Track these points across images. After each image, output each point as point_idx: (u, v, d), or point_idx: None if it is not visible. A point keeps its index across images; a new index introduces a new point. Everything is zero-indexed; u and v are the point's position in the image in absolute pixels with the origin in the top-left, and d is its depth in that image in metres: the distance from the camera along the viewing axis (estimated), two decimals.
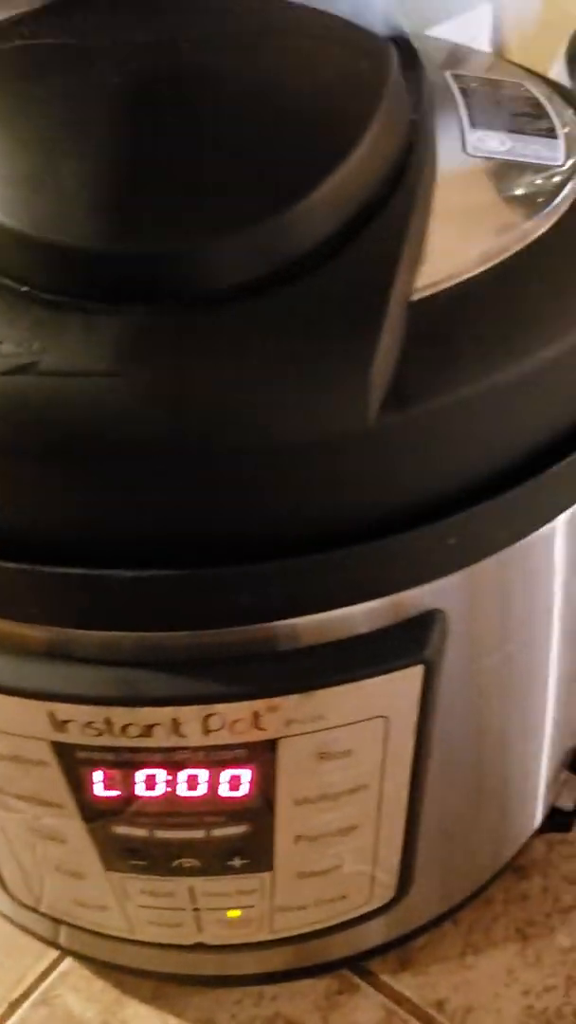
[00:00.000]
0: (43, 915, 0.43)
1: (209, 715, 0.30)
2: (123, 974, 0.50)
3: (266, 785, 0.33)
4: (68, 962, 0.51)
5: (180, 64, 0.30)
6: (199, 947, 0.40)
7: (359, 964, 0.50)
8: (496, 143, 0.36)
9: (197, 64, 0.30)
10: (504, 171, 0.34)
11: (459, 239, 0.31)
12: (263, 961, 0.47)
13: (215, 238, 0.27)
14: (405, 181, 0.31)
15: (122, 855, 0.36)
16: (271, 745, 0.32)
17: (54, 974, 0.51)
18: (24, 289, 0.28)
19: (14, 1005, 0.50)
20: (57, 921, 0.42)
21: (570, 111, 0.38)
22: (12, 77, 0.30)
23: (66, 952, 0.50)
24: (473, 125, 0.36)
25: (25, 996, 0.50)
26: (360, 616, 0.31)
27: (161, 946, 0.42)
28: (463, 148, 0.35)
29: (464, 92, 0.38)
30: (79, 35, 0.30)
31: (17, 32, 0.31)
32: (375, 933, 0.47)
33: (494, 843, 0.48)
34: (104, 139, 0.28)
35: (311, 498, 0.28)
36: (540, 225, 0.32)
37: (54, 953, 0.51)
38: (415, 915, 0.46)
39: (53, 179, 0.28)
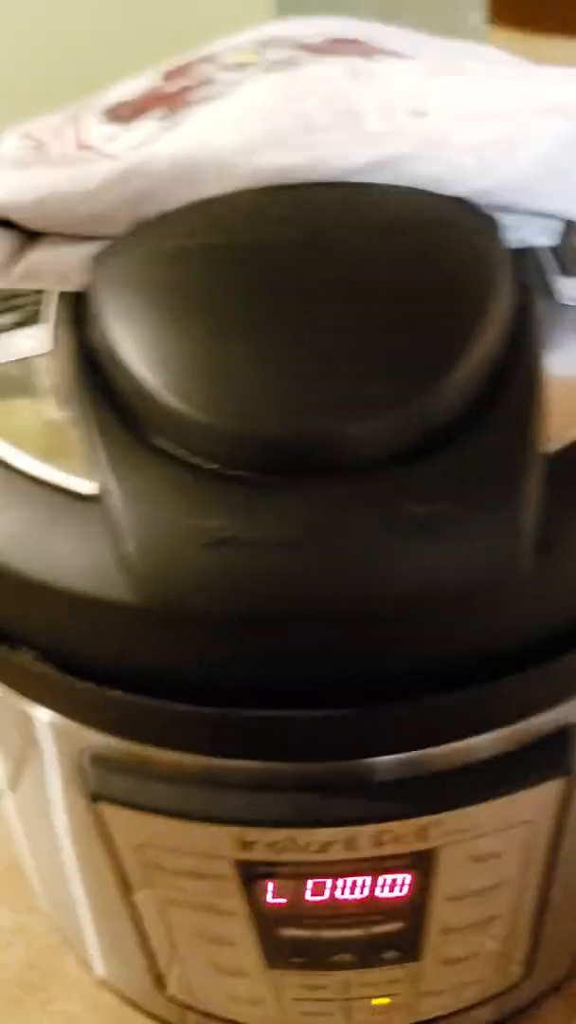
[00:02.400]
0: (176, 1005, 0.47)
1: (382, 832, 0.34)
2: None
3: (423, 886, 0.37)
4: None
5: (324, 259, 0.34)
6: None
7: None
8: None
9: (338, 256, 0.34)
10: None
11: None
12: None
13: (375, 418, 0.31)
14: (524, 343, 0.36)
15: (285, 955, 0.39)
16: (432, 853, 0.35)
17: None
18: (211, 467, 0.32)
19: None
20: (205, 1016, 0.45)
21: None
22: (186, 275, 0.34)
23: None
24: (564, 273, 0.40)
25: None
26: (509, 736, 0.34)
27: None
28: (558, 297, 0.39)
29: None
30: (232, 235, 0.35)
31: (177, 231, 0.35)
32: (494, 1010, 0.50)
33: None
34: (270, 333, 0.33)
35: (468, 641, 0.32)
36: None
37: None
38: (531, 991, 0.49)
39: (227, 372, 0.32)
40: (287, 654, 0.31)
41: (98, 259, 0.36)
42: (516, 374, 0.34)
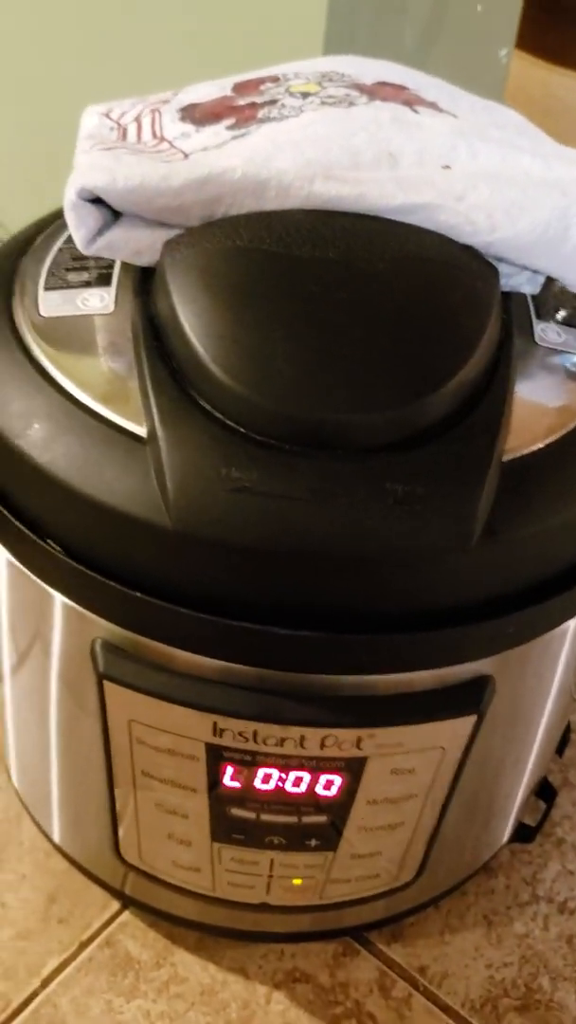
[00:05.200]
0: (120, 866, 0.55)
1: (326, 736, 0.43)
2: (173, 925, 0.61)
3: (350, 789, 0.46)
4: (127, 914, 0.63)
5: (354, 278, 0.42)
6: (263, 907, 0.52)
7: (360, 934, 0.63)
8: (554, 335, 0.49)
9: (365, 278, 0.43)
10: (566, 359, 0.47)
11: (536, 415, 0.44)
12: (289, 923, 0.59)
13: (376, 414, 0.40)
14: (500, 369, 0.44)
15: (229, 831, 0.48)
16: (362, 761, 0.44)
17: (115, 924, 0.62)
18: (242, 431, 0.40)
19: (83, 945, 0.61)
20: (132, 868, 0.53)
21: None
22: (243, 272, 0.42)
23: (128, 902, 0.61)
24: (540, 318, 0.49)
25: (92, 939, 0.61)
26: (440, 675, 0.43)
27: (226, 902, 0.53)
28: (534, 337, 0.48)
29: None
30: (284, 245, 0.43)
31: (240, 234, 0.43)
32: (378, 910, 0.59)
33: (477, 848, 0.61)
34: (307, 331, 0.41)
35: (423, 594, 0.41)
36: None
37: (116, 905, 0.63)
38: (410, 898, 0.58)
39: (268, 358, 0.40)
40: (278, 582, 0.40)
41: (171, 244, 0.44)
42: (491, 395, 0.43)
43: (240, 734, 0.43)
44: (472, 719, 0.44)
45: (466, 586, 0.42)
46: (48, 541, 0.43)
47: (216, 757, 0.45)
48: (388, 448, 0.40)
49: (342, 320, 0.41)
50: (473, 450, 0.41)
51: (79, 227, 0.45)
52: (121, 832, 0.52)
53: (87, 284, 0.48)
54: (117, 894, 0.62)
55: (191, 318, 0.42)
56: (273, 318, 0.41)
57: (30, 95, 1.00)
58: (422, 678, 0.44)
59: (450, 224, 0.44)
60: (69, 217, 0.45)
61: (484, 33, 1.05)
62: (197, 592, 0.41)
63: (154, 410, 0.41)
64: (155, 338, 0.44)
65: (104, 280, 0.49)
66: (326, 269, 0.42)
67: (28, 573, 0.46)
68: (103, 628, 0.44)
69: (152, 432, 0.41)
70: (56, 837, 0.60)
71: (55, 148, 0.59)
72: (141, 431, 0.42)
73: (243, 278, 0.42)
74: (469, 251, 0.45)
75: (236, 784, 0.46)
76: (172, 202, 0.44)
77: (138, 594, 0.41)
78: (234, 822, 0.48)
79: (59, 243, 0.52)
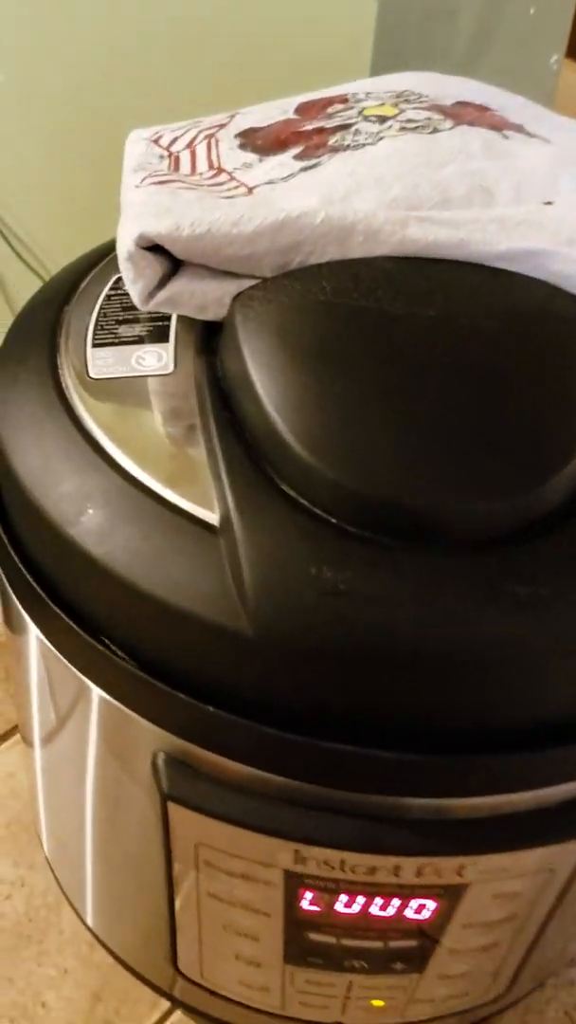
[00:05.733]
0: (174, 973, 0.50)
1: (424, 864, 0.37)
2: None
3: (446, 913, 0.40)
4: (178, 1014, 0.57)
5: (457, 340, 0.36)
6: None
7: None
8: None
9: (471, 340, 0.37)
10: None
11: None
12: None
13: (492, 502, 0.34)
14: None
15: (305, 954, 0.43)
16: (462, 887, 0.39)
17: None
18: (333, 521, 0.35)
19: None
20: (189, 982, 0.48)
21: None
22: (328, 331, 0.37)
23: (180, 1005, 0.56)
24: None
25: None
26: (551, 795, 0.38)
27: (295, 1019, 0.48)
28: None
29: None
30: (374, 300, 0.37)
31: (322, 286, 0.37)
32: (462, 1019, 0.54)
33: (565, 951, 0.56)
34: (406, 402, 0.35)
35: (546, 708, 0.35)
36: None
37: (166, 1004, 0.58)
38: (498, 1005, 0.53)
39: (361, 434, 0.35)
40: (380, 698, 0.34)
41: (242, 299, 0.38)
42: None
43: (325, 862, 0.38)
44: None
45: None
46: (105, 642, 0.38)
47: (295, 884, 0.39)
48: (504, 541, 0.35)
49: (446, 388, 0.36)
50: None
51: (136, 280, 0.39)
52: (180, 947, 0.47)
53: (140, 340, 0.43)
54: (167, 995, 0.57)
55: (269, 386, 0.36)
56: (365, 386, 0.36)
57: (68, 120, 0.96)
58: (532, 798, 0.38)
59: (563, 273, 0.39)
60: (125, 269, 0.39)
61: (534, 38, 0.99)
62: (281, 707, 0.35)
63: (228, 495, 0.36)
64: (224, 406, 0.38)
65: (160, 335, 0.43)
66: (424, 328, 0.36)
67: (77, 672, 0.40)
68: (167, 739, 0.39)
69: (226, 521, 0.36)
70: (99, 933, 0.55)
71: (99, 179, 0.53)
72: (213, 518, 0.36)
73: (328, 338, 0.36)
74: None
75: (316, 908, 0.41)
76: (243, 251, 0.38)
77: (211, 708, 0.36)
78: (311, 946, 0.43)
79: (106, 288, 0.46)
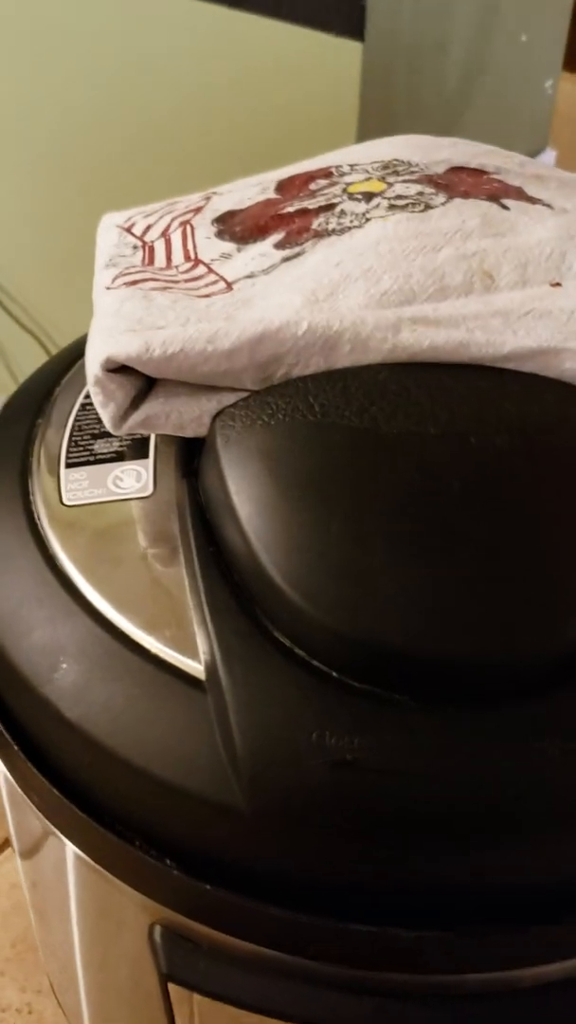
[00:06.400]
0: None
1: None
2: None
3: None
4: None
5: (464, 460, 0.32)
6: None
7: None
8: None
9: (480, 459, 0.33)
10: None
11: None
12: None
13: (518, 648, 0.30)
14: None
15: None
16: None
17: None
18: (335, 675, 0.31)
19: None
20: None
21: None
22: (318, 456, 0.33)
23: None
24: None
25: None
26: None
27: None
28: None
29: None
30: (367, 418, 0.33)
31: (308, 403, 0.34)
32: None
33: None
34: (411, 537, 0.31)
35: None
36: None
37: None
38: None
39: (364, 577, 0.31)
40: (397, 879, 0.30)
41: (223, 420, 0.34)
42: None
43: None
44: None
45: None
46: (95, 814, 0.34)
47: None
48: (535, 690, 0.30)
49: (455, 518, 0.31)
50: None
51: (107, 404, 0.35)
52: None
53: (118, 457, 0.39)
54: None
55: (255, 520, 0.32)
56: (364, 520, 0.32)
57: (50, 193, 0.94)
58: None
59: None
60: (93, 392, 0.35)
61: (528, 65, 0.96)
62: (286, 885, 0.32)
63: (214, 645, 0.32)
64: (209, 539, 0.35)
65: (140, 449, 0.39)
66: (427, 448, 0.32)
67: (60, 836, 0.36)
68: (165, 913, 0.35)
69: (213, 675, 0.32)
70: None
71: (83, 246, 0.50)
72: (199, 670, 0.33)
73: (320, 465, 0.33)
74: None
75: None
76: (220, 367, 0.35)
77: (207, 886, 0.32)
78: None
79: (80, 398, 0.43)
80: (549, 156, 1.11)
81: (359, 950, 0.32)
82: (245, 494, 0.33)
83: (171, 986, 0.35)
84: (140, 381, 0.36)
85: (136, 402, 0.35)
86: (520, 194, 0.44)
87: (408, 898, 0.31)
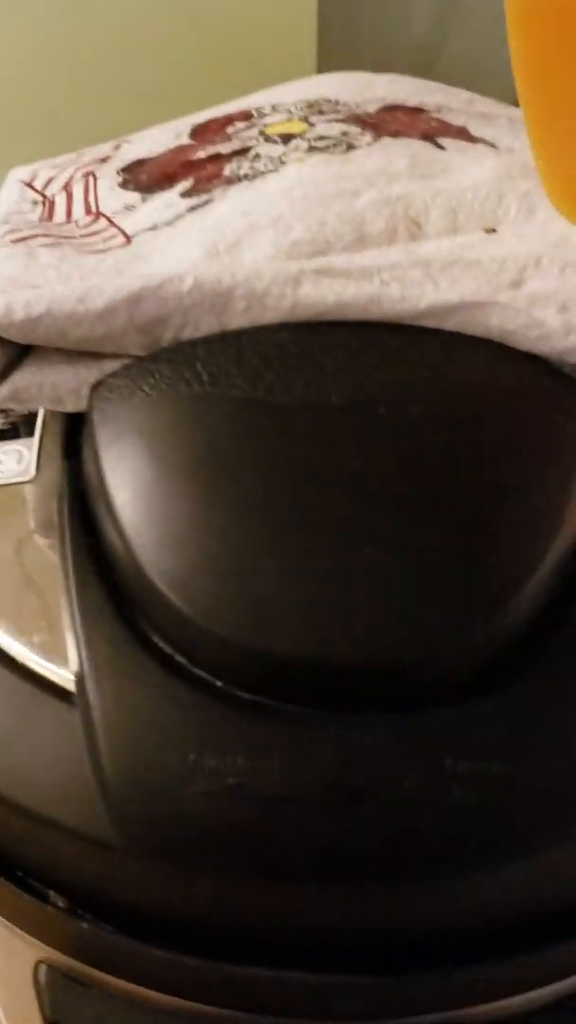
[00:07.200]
0: None
1: None
2: None
3: None
4: None
5: (371, 433, 0.28)
6: None
7: None
8: None
9: (389, 431, 0.28)
10: None
11: None
12: None
13: (429, 649, 0.26)
14: None
15: None
16: None
17: None
18: (220, 685, 0.27)
19: None
20: None
21: None
22: (204, 432, 0.28)
23: None
24: None
25: None
26: (536, 997, 0.30)
27: None
28: None
29: None
30: (262, 387, 0.28)
31: (196, 371, 0.29)
32: None
33: None
34: (307, 528, 0.27)
35: (502, 909, 0.27)
36: None
37: None
38: None
39: (253, 572, 0.26)
40: (290, 920, 0.26)
41: (100, 392, 0.30)
42: None
43: None
44: None
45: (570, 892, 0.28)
46: None
47: None
48: (448, 698, 0.26)
49: (357, 502, 0.27)
50: (572, 684, 0.28)
51: None
52: None
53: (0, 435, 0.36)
54: None
55: (131, 509, 0.28)
56: (255, 507, 0.27)
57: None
58: (524, 1001, 0.30)
59: (507, 328, 0.30)
60: None
61: (499, 22, 0.90)
62: (169, 926, 0.28)
63: (84, 654, 0.28)
64: (86, 530, 0.31)
65: (26, 425, 0.35)
66: (328, 422, 0.28)
67: None
68: (48, 953, 0.31)
69: (82, 686, 0.28)
70: None
71: None
72: (71, 681, 0.29)
73: (206, 445, 0.28)
74: (538, 365, 0.30)
75: None
76: (94, 332, 0.30)
77: (84, 925, 0.28)
78: None
79: None
80: None
81: (260, 995, 0.28)
82: (120, 478, 0.28)
83: None
84: (11, 349, 0.32)
85: (7, 371, 0.31)
86: (462, 134, 0.40)
87: (306, 939, 0.27)
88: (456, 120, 0.41)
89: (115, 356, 0.32)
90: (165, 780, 0.26)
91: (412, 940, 0.27)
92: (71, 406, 0.32)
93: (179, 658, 0.27)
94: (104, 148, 0.44)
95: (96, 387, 0.30)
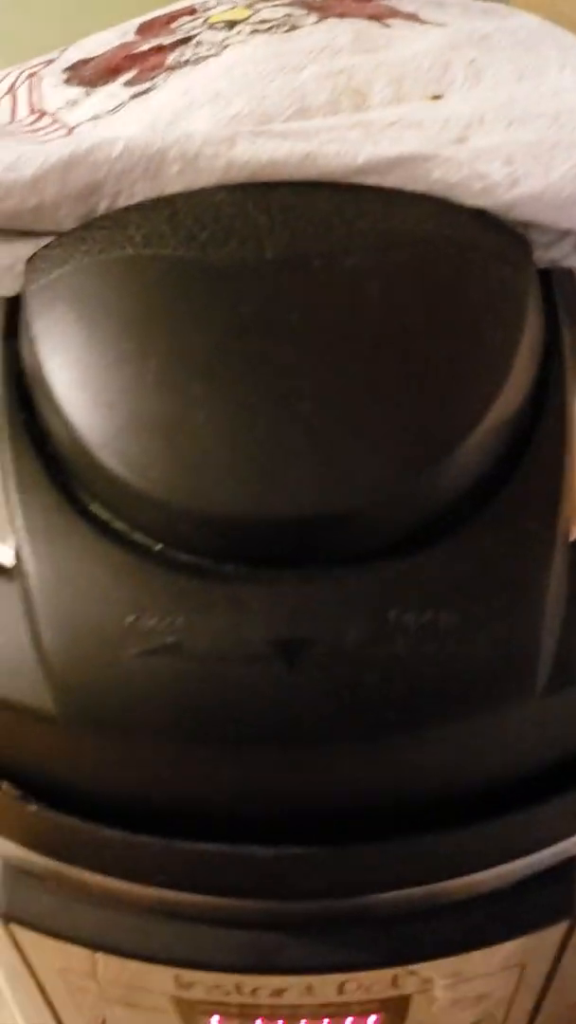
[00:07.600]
0: None
1: (344, 981, 0.29)
2: None
3: None
4: None
5: (309, 287, 0.27)
6: None
7: None
8: None
9: (328, 285, 0.27)
10: None
11: None
12: None
13: (370, 499, 0.25)
14: (551, 394, 0.29)
15: None
16: (404, 999, 0.30)
17: None
18: (159, 547, 0.26)
19: None
20: None
21: None
22: (139, 297, 0.27)
23: None
24: None
25: None
26: (503, 873, 0.29)
27: None
28: None
29: None
30: (196, 247, 0.28)
31: (130, 236, 0.28)
32: None
33: None
34: (240, 385, 0.26)
35: (462, 778, 0.26)
36: None
37: None
38: None
39: (189, 432, 0.25)
40: (239, 787, 0.25)
41: (33, 263, 0.29)
42: (542, 438, 0.28)
43: (216, 987, 0.30)
44: (562, 927, 0.30)
45: (536, 749, 0.27)
46: None
47: (190, 1010, 0.31)
48: (390, 551, 0.25)
49: (295, 356, 0.26)
50: (521, 536, 0.26)
51: None
52: None
53: None
54: None
55: (63, 375, 0.27)
56: (188, 366, 0.26)
57: None
58: (474, 882, 0.29)
59: (449, 181, 0.29)
60: None
61: None
62: (116, 803, 0.27)
63: (20, 523, 0.27)
64: (23, 407, 0.30)
65: None
66: (263, 277, 0.27)
67: None
68: (3, 847, 0.31)
69: (21, 557, 0.27)
70: None
71: None
72: (8, 556, 0.28)
73: (137, 306, 0.27)
74: (482, 219, 0.29)
75: None
76: (27, 202, 0.29)
77: (32, 807, 0.28)
78: None
79: None
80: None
81: (212, 874, 0.27)
82: (51, 345, 0.27)
83: (16, 933, 0.31)
84: None
85: None
86: (413, 17, 0.39)
87: (256, 808, 0.26)
88: (407, 7, 0.40)
89: (52, 234, 0.31)
90: (103, 644, 0.25)
91: (363, 805, 0.26)
92: (7, 287, 0.31)
93: (117, 524, 0.26)
94: (51, 53, 0.43)
95: (31, 259, 0.30)
